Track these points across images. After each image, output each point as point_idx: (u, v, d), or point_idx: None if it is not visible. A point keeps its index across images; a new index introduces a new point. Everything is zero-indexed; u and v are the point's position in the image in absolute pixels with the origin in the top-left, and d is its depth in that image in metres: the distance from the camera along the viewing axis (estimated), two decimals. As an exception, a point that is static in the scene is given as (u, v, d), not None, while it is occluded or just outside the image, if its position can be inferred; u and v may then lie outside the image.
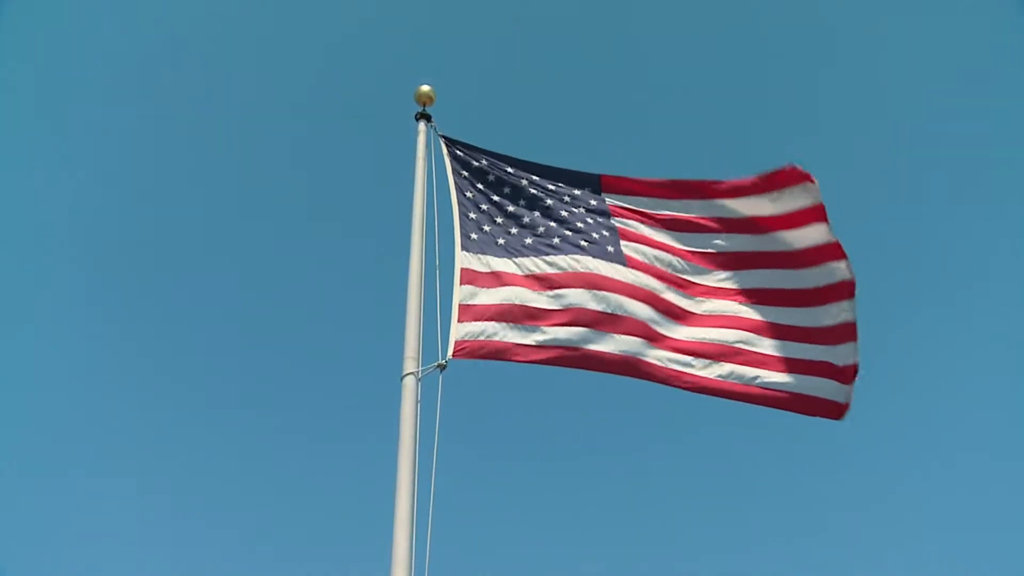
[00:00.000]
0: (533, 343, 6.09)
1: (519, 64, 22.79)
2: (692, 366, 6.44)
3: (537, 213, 6.84)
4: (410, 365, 5.68)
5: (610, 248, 6.72)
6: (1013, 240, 18.70)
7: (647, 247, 6.85)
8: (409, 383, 5.60)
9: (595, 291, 6.40)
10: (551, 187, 7.02)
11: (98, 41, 18.94)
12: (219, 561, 16.10)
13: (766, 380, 6.50)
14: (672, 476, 18.64)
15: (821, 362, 6.58)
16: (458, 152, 7.11)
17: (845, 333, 6.59)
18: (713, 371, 6.45)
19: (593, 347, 6.22)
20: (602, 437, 19.27)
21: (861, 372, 6.59)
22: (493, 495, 17.98)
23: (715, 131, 22.58)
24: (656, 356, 6.37)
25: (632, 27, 22.20)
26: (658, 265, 6.75)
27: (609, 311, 6.36)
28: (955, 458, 17.71)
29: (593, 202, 6.98)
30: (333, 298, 20.92)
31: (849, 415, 6.58)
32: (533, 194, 6.93)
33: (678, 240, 6.95)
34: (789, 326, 6.68)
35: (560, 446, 19.30)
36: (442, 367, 5.72)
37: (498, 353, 6.00)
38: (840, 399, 6.55)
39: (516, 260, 6.49)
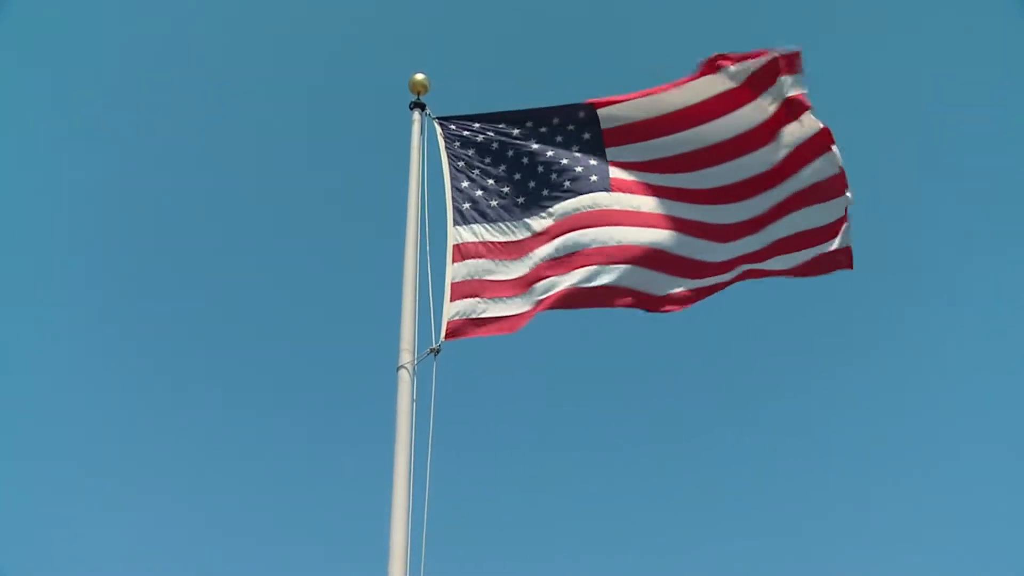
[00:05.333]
0: (513, 312, 6.14)
1: (515, 54, 22.75)
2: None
3: (526, 169, 6.84)
4: (405, 355, 5.58)
5: (594, 177, 6.76)
6: (1012, 239, 18.67)
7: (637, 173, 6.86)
8: (404, 375, 5.49)
9: (576, 232, 6.48)
10: (543, 130, 7.01)
11: (97, 39, 18.97)
12: (214, 555, 16.04)
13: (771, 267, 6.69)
14: (669, 473, 18.64)
15: (807, 231, 6.69)
16: (451, 127, 7.09)
17: (831, 189, 6.66)
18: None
19: (567, 286, 6.29)
20: (602, 429, 19.25)
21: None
22: (491, 486, 17.89)
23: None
24: (648, 278, 6.48)
25: (629, 16, 22.21)
26: (647, 183, 6.78)
27: (592, 245, 6.45)
28: (955, 451, 17.68)
29: (586, 135, 6.93)
30: (326, 287, 20.88)
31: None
32: (522, 147, 6.90)
33: (670, 182, 6.91)
34: (774, 206, 6.74)
35: (560, 437, 19.25)
36: (435, 351, 5.63)
37: (482, 327, 6.00)
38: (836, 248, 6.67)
39: (502, 225, 6.52)
